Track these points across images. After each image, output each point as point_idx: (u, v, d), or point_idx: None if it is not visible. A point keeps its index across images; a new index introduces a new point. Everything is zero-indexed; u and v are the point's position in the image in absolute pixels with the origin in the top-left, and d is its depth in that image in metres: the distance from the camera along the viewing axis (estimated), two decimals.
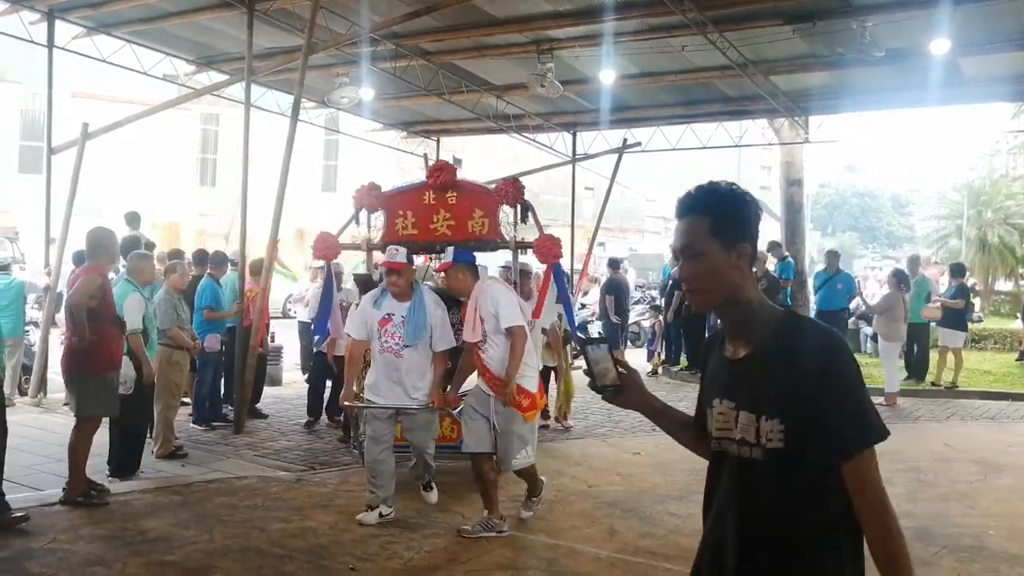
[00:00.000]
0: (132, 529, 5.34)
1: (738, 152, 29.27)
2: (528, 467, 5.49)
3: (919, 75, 11.10)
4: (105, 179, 20.72)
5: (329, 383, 8.97)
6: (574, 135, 16.51)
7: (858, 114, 24.10)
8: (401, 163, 20.79)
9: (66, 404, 7.58)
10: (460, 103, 13.83)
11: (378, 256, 6.87)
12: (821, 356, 1.76)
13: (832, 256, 13.16)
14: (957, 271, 12.84)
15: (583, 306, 15.29)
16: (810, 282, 14.52)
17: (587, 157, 16.69)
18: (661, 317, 14.02)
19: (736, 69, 10.90)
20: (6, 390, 5.76)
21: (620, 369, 2.07)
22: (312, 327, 9.22)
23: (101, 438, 6.18)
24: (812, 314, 13.65)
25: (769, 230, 23.37)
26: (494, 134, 17.18)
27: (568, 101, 13.59)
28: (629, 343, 15.97)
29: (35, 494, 5.94)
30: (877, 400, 10.64)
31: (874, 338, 13.44)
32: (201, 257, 9.39)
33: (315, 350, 9.12)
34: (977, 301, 19.40)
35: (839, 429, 1.72)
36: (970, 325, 13.88)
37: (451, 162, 9.27)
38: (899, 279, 11.47)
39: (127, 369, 6.25)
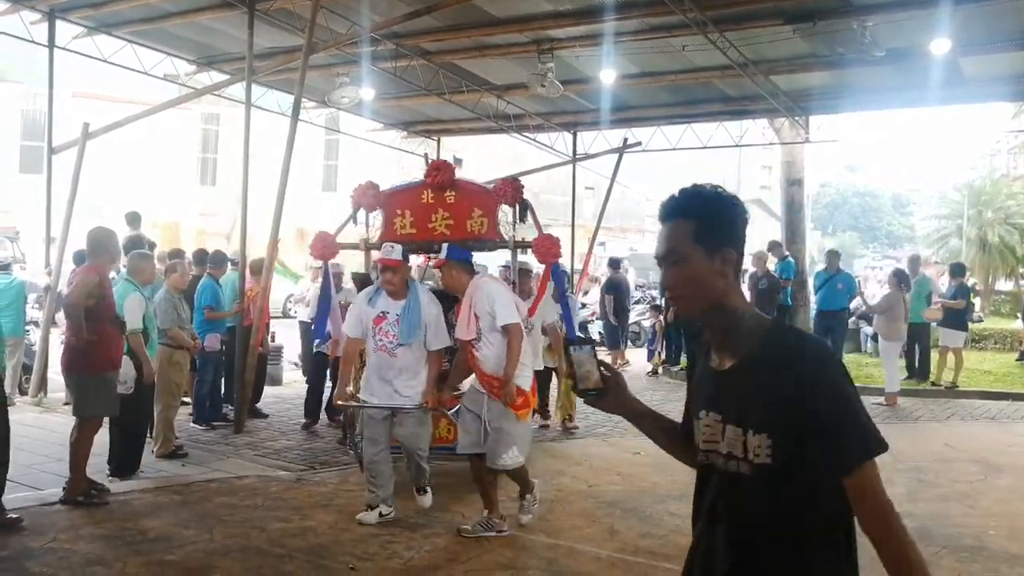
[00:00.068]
0: (132, 529, 5.35)
1: (738, 152, 29.33)
2: (518, 468, 5.35)
3: (919, 75, 11.10)
4: (106, 179, 20.72)
5: (329, 384, 8.97)
6: (574, 135, 16.51)
7: (859, 114, 24.18)
8: (402, 163, 20.78)
9: (67, 403, 7.59)
10: (460, 103, 13.83)
11: (376, 255, 6.86)
12: (810, 367, 1.70)
13: (832, 256, 13.16)
14: (957, 271, 12.84)
15: (583, 305, 15.29)
16: (811, 282, 14.52)
17: (587, 157, 16.69)
18: (661, 317, 14.03)
19: (736, 69, 10.90)
20: (7, 389, 5.76)
21: (604, 372, 2.01)
22: (312, 327, 9.22)
23: (101, 438, 6.18)
24: (813, 314, 13.70)
25: (770, 230, 23.39)
26: (494, 134, 17.19)
27: (568, 101, 13.59)
28: (629, 343, 15.97)
29: (35, 493, 5.94)
30: (877, 400, 10.71)
31: (874, 338, 13.44)
32: (201, 257, 9.39)
33: (314, 351, 9.11)
34: (977, 301, 19.39)
35: (837, 443, 1.66)
36: (970, 325, 13.87)
37: (452, 162, 9.27)
38: (899, 279, 11.47)
39: (127, 369, 6.26)
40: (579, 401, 10.23)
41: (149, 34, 11.32)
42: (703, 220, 1.80)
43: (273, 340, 10.69)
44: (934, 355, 12.41)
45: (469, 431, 5.34)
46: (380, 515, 5.54)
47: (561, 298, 7.93)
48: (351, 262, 11.71)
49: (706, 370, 1.89)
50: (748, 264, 12.91)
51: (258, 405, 9.41)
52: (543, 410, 9.04)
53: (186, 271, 8.18)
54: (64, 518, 5.50)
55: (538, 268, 7.83)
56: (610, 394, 2.02)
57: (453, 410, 5.82)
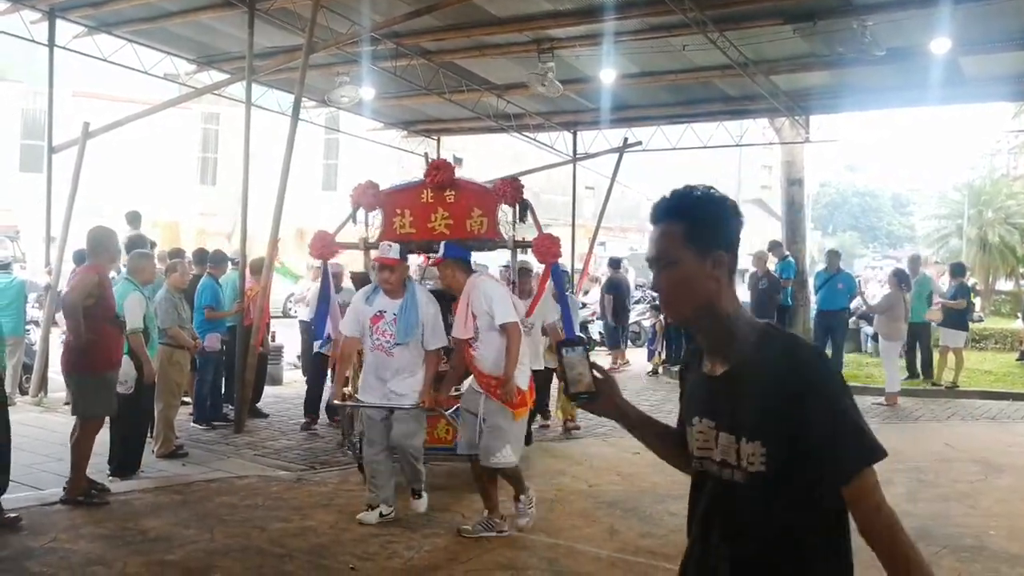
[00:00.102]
0: (133, 528, 5.35)
1: (739, 151, 29.32)
2: (511, 468, 5.31)
3: (919, 74, 11.10)
4: (106, 178, 20.70)
5: (329, 384, 8.96)
6: (575, 134, 16.51)
7: (859, 113, 24.15)
8: (402, 162, 20.77)
9: (67, 403, 7.59)
10: (461, 102, 13.82)
11: (375, 255, 6.85)
12: (804, 374, 1.65)
13: (833, 256, 13.16)
14: (958, 271, 12.83)
15: (583, 305, 15.29)
16: (811, 282, 14.52)
17: (588, 156, 16.69)
18: (661, 316, 14.02)
19: (736, 68, 10.91)
20: (7, 389, 5.77)
21: (596, 374, 1.96)
22: (312, 327, 9.22)
23: (102, 437, 6.18)
24: (813, 313, 13.69)
25: (770, 230, 23.36)
26: (495, 133, 17.19)
27: (568, 100, 13.59)
28: (629, 343, 15.97)
29: (36, 493, 5.94)
30: (878, 400, 10.71)
31: (875, 338, 13.44)
32: (201, 256, 9.39)
33: (314, 352, 9.11)
34: (978, 301, 19.40)
35: (833, 452, 1.62)
36: (971, 325, 13.87)
37: (452, 161, 9.26)
38: (900, 279, 11.47)
39: (128, 368, 6.26)
40: None
41: (149, 33, 11.32)
42: (694, 222, 1.76)
43: (273, 340, 10.69)
44: (935, 355, 12.41)
45: (469, 432, 5.33)
46: (380, 515, 5.54)
47: (561, 298, 7.92)
48: (351, 262, 11.74)
49: (699, 376, 1.86)
50: (748, 264, 12.92)
51: (258, 405, 9.41)
52: (544, 410, 9.04)
53: (186, 271, 8.18)
54: (64, 518, 5.50)
55: (538, 268, 7.83)
56: (602, 397, 1.97)
57: (452, 411, 5.82)
